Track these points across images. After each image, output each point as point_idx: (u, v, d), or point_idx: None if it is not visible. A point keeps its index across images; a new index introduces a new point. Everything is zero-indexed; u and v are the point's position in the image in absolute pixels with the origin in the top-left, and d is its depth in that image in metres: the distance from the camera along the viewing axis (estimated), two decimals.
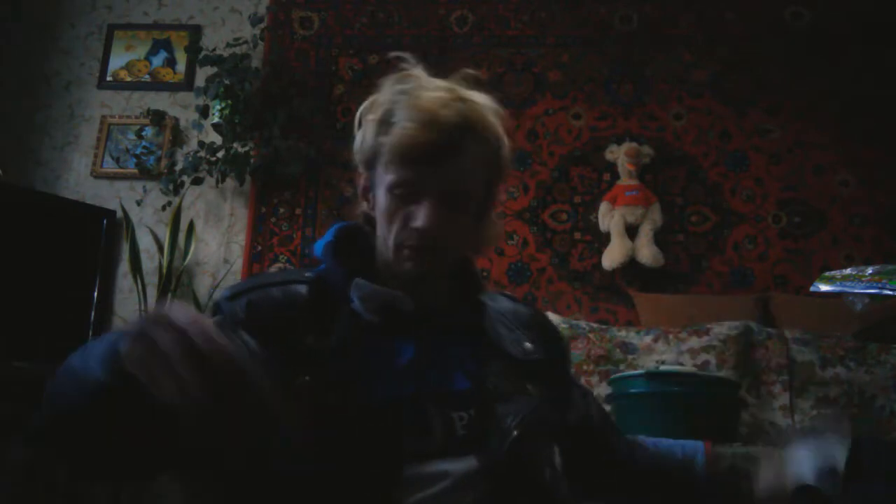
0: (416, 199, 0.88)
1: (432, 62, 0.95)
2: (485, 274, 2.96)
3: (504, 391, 0.89)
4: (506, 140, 0.96)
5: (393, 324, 0.89)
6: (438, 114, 0.86)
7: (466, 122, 0.88)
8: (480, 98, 0.93)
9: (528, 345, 0.98)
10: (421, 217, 0.87)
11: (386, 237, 0.91)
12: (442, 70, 0.96)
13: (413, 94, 0.89)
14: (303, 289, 0.91)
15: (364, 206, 0.98)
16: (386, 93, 0.92)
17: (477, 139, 0.90)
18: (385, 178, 0.90)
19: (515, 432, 0.85)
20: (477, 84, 0.94)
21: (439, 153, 0.87)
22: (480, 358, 0.92)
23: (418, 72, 0.94)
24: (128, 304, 3.07)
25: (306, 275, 0.94)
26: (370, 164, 0.94)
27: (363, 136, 0.94)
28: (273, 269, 3.09)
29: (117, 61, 3.41)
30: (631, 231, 2.90)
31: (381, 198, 0.91)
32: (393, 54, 0.97)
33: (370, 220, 0.96)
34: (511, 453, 0.84)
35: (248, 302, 0.88)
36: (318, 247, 0.97)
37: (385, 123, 0.89)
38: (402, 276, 0.91)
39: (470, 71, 0.95)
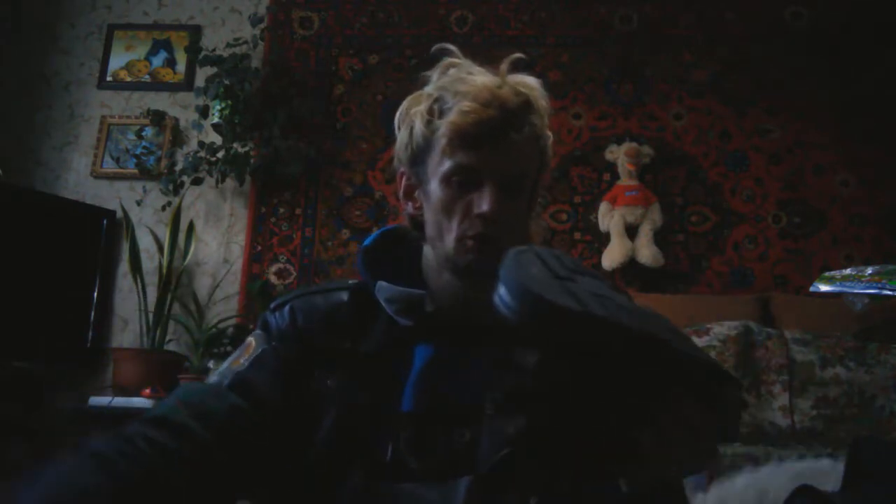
0: (477, 186, 0.84)
1: (432, 62, 0.94)
2: None
3: (508, 407, 0.81)
4: (550, 134, 0.93)
5: (423, 328, 0.86)
6: (498, 92, 0.84)
7: (525, 99, 0.86)
8: (532, 81, 0.90)
9: None
10: (486, 202, 0.82)
11: (443, 233, 0.86)
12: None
13: (464, 78, 0.86)
14: (345, 295, 0.91)
15: (409, 208, 0.92)
16: (431, 84, 0.89)
17: (535, 120, 0.87)
18: (441, 168, 0.85)
19: (505, 451, 0.77)
20: (526, 68, 0.91)
21: (502, 133, 0.83)
22: (499, 368, 0.84)
23: (463, 61, 0.90)
24: (128, 304, 3.07)
25: (350, 282, 0.93)
26: (418, 159, 0.89)
27: (410, 131, 0.89)
28: (273, 269, 3.09)
29: (117, 61, 3.41)
30: (631, 231, 2.90)
31: (435, 191, 0.86)
32: (437, 46, 0.92)
33: (417, 224, 0.92)
34: (495, 473, 0.76)
35: (290, 308, 0.89)
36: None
37: (437, 111, 0.86)
38: (465, 272, 0.85)
39: (519, 55, 0.91)
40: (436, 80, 0.89)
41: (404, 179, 0.93)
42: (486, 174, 0.84)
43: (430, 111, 0.86)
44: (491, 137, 0.83)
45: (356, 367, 0.84)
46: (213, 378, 0.86)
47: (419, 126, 0.87)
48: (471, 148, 0.84)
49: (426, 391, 0.82)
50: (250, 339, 0.89)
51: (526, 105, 0.86)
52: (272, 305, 0.92)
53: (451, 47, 0.91)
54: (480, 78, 0.86)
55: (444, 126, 0.84)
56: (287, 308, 0.90)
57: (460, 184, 0.85)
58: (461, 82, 0.85)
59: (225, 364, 0.87)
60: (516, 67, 0.90)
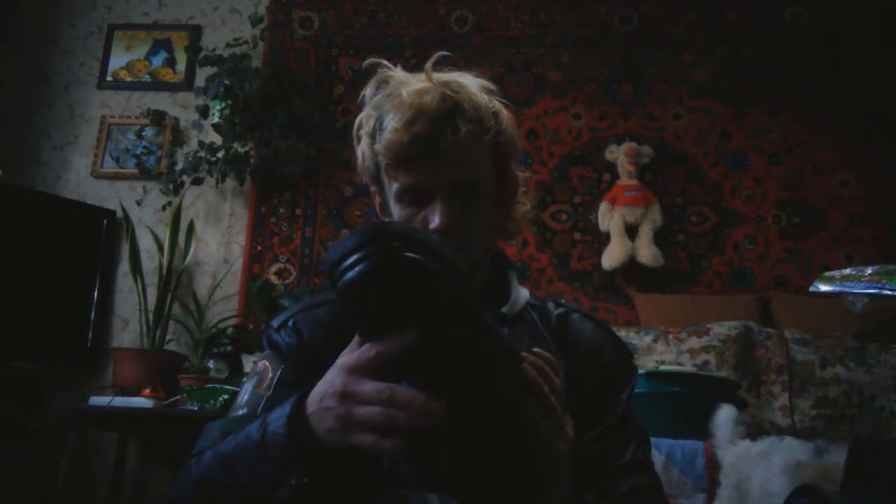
0: (429, 201, 0.85)
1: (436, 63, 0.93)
2: None
3: None
4: (503, 113, 0.93)
5: None
6: (422, 105, 0.83)
7: (452, 103, 0.85)
8: (462, 77, 0.89)
9: None
10: (437, 217, 0.84)
11: None
12: (440, 70, 0.93)
13: (394, 93, 0.86)
14: None
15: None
16: (371, 103, 0.90)
17: (468, 118, 0.85)
18: (391, 189, 0.88)
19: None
20: (453, 65, 0.91)
21: (433, 145, 0.83)
22: None
23: (395, 71, 0.91)
24: (128, 304, 3.07)
25: None
26: (376, 178, 0.91)
27: (362, 153, 0.91)
28: (273, 269, 3.09)
29: (117, 61, 3.41)
30: (631, 231, 2.90)
31: (395, 210, 0.88)
32: (369, 62, 0.93)
33: None
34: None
35: (294, 324, 0.90)
36: None
37: (377, 132, 0.87)
38: None
39: (443, 53, 0.91)
40: (370, 96, 0.90)
41: (376, 197, 0.95)
42: (433, 189, 0.85)
43: (371, 133, 0.88)
44: (425, 153, 0.84)
45: None
46: (239, 411, 0.85)
47: (366, 149, 0.90)
48: (408, 168, 0.85)
49: None
50: (265, 363, 0.89)
51: (453, 110, 0.85)
52: (275, 324, 0.92)
53: (383, 61, 0.92)
54: (407, 90, 0.85)
55: (380, 150, 0.85)
56: (291, 324, 0.90)
57: (412, 202, 0.86)
58: (391, 98, 0.86)
59: (246, 394, 0.86)
60: (441, 66, 0.89)
